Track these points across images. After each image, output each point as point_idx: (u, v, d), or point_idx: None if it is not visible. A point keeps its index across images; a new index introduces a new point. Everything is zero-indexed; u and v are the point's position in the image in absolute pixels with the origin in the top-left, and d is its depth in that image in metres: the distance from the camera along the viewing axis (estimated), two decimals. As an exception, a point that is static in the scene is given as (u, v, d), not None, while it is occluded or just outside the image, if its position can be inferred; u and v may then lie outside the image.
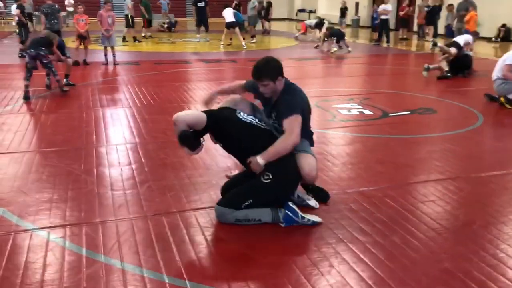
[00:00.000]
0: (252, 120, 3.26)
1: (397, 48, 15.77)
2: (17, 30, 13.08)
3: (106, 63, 10.69)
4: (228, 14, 15.01)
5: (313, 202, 3.39)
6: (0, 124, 5.62)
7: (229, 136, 3.21)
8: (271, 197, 3.14)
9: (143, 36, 17.26)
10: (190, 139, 3.12)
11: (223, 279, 2.57)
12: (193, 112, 3.37)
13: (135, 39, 16.06)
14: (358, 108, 6.63)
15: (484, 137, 5.59)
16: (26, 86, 6.99)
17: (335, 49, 13.91)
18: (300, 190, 3.46)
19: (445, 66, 9.42)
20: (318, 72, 10.95)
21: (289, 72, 10.57)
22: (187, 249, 2.86)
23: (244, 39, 15.36)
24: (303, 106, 3.29)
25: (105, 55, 10.78)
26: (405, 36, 18.20)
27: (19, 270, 2.62)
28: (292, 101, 3.23)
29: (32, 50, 7.11)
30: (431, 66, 9.51)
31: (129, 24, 15.96)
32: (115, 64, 10.74)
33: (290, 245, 2.91)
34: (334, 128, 5.67)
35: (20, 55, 11.91)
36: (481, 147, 5.14)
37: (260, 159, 3.05)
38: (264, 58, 3.32)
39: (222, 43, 14.79)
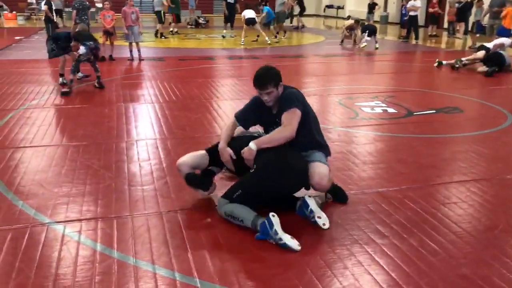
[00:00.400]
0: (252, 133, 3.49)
1: (425, 45, 15.43)
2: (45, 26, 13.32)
3: (131, 59, 10.79)
4: (249, 12, 14.99)
5: (321, 221, 3.03)
6: (26, 118, 5.73)
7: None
8: (253, 190, 3.08)
9: (171, 32, 17.40)
10: (197, 180, 3.36)
11: (233, 278, 2.54)
12: (193, 153, 3.49)
13: (161, 35, 16.19)
14: (382, 106, 6.50)
15: (513, 137, 5.40)
16: (71, 81, 7.16)
17: (365, 43, 13.70)
18: (317, 199, 3.31)
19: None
20: (344, 69, 10.80)
21: (315, 69, 10.51)
22: (199, 247, 2.85)
23: (277, 34, 15.51)
24: (303, 101, 3.30)
25: (131, 51, 10.88)
26: (434, 33, 17.78)
27: (34, 264, 2.65)
28: (291, 96, 3.26)
29: (92, 43, 7.33)
30: (444, 62, 9.51)
31: (161, 20, 16.15)
32: (140, 59, 10.84)
33: (303, 245, 2.85)
34: (356, 126, 5.57)
35: (49, 50, 12.16)
36: (508, 148, 4.96)
37: (252, 144, 3.11)
38: (263, 68, 3.32)
39: (242, 39, 14.68)
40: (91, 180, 3.85)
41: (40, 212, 3.27)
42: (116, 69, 9.62)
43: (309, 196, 3.16)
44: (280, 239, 2.80)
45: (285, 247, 2.78)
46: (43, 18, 13.08)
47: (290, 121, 3.15)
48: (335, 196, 3.49)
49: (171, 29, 17.51)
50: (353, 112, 6.20)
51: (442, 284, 2.49)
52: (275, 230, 2.81)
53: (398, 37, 17.63)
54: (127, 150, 4.61)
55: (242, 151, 3.16)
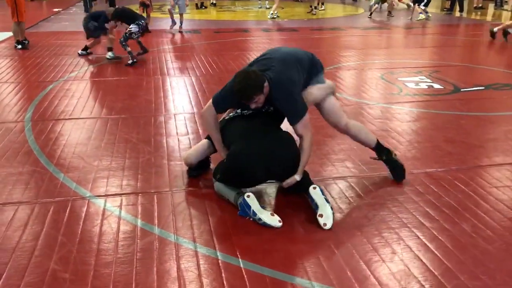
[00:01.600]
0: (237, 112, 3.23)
1: (470, 18, 14.73)
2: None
3: (174, 23, 10.93)
4: None
5: (322, 221, 2.71)
6: (65, 90, 5.76)
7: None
8: (227, 176, 2.98)
9: (212, 3, 17.45)
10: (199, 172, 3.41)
11: (277, 260, 2.45)
12: (197, 146, 3.43)
13: (202, 4, 16.12)
14: (427, 82, 6.21)
15: None
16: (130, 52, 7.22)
17: (422, 16, 13.20)
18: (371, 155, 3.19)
19: None
20: (384, 42, 10.41)
21: (354, 42, 10.18)
22: (239, 226, 2.77)
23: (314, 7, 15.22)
24: (299, 91, 3.00)
25: (172, 19, 10.95)
26: (480, 5, 16.93)
27: (75, 238, 2.64)
28: (294, 104, 2.92)
29: (143, 21, 7.37)
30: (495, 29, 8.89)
31: None
32: (179, 31, 10.78)
33: (349, 227, 2.74)
34: (400, 102, 5.34)
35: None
36: None
37: (297, 176, 2.91)
38: (240, 76, 2.85)
39: (271, 12, 14.21)
40: (130, 154, 3.82)
41: (80, 185, 3.26)
42: (153, 41, 9.55)
43: (314, 187, 2.86)
44: (260, 219, 2.74)
45: (266, 226, 2.72)
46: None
47: (307, 131, 2.96)
48: (393, 170, 3.34)
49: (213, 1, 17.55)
50: (396, 88, 5.95)
51: (499, 275, 2.34)
52: (253, 211, 2.76)
53: (441, 9, 16.87)
54: (165, 124, 4.56)
55: (285, 182, 2.92)
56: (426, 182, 3.32)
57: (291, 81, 2.95)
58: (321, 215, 2.73)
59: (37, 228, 2.72)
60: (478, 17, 14.98)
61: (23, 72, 6.72)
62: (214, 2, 17.68)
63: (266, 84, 2.84)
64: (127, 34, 7.19)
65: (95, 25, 7.47)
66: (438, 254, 2.50)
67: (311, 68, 3.12)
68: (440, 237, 2.65)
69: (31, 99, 5.36)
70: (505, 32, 9.46)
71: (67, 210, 2.93)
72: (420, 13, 13.38)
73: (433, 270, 2.37)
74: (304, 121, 2.94)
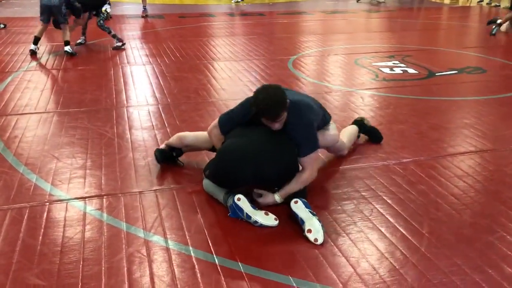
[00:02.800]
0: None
1: (430, 1, 14.92)
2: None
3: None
4: None
5: (312, 237, 2.46)
6: (27, 81, 5.38)
7: None
8: (215, 177, 2.81)
9: None
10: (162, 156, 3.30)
11: (276, 262, 2.32)
12: (198, 133, 3.29)
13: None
14: (401, 67, 6.19)
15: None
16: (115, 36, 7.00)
17: None
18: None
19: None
20: (351, 26, 10.33)
21: (323, 25, 10.08)
22: (233, 224, 2.62)
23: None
24: (315, 124, 2.83)
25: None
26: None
27: (56, 247, 2.42)
28: (309, 133, 2.74)
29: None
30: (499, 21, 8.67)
31: None
32: (142, 16, 10.39)
33: (349, 223, 2.64)
34: (377, 88, 5.28)
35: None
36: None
37: (277, 197, 2.72)
38: (262, 93, 2.62)
39: None
40: (106, 150, 3.57)
41: (56, 187, 3.02)
42: (116, 27, 9.12)
43: (296, 201, 2.60)
44: (256, 221, 2.58)
45: (263, 227, 2.58)
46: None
47: (312, 166, 2.75)
48: (370, 136, 3.73)
49: None
50: (372, 73, 5.89)
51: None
52: (246, 214, 2.60)
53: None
54: (140, 116, 4.31)
55: (261, 199, 2.76)
56: (417, 172, 3.26)
57: (310, 109, 2.81)
58: (309, 231, 2.48)
59: (13, 237, 2.48)
60: (447, 1, 15.16)
61: (-23, 63, 6.26)
62: None
63: (288, 100, 2.64)
64: (104, 15, 6.82)
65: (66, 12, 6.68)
66: (442, 248, 2.44)
67: (323, 114, 3.03)
68: (439, 230, 2.59)
69: (-10, 92, 4.98)
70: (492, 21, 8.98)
71: (44, 216, 2.69)
72: None
73: (439, 265, 2.30)
74: (314, 156, 2.75)
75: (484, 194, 3.00)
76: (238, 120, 2.86)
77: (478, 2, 13.98)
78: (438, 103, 4.80)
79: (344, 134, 3.50)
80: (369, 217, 2.72)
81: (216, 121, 2.94)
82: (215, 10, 12.27)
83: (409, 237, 2.53)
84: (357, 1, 14.23)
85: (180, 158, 3.33)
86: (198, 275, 2.23)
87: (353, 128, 3.66)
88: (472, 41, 8.62)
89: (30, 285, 2.14)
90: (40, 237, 2.49)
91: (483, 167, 3.36)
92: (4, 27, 8.81)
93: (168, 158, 3.30)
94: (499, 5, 13.12)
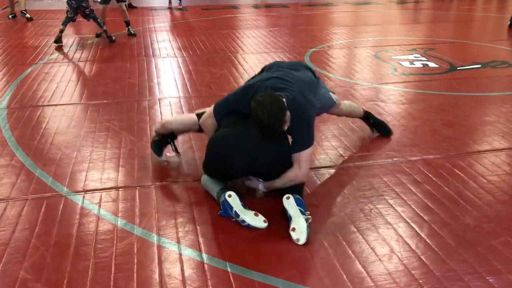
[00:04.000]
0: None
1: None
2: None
3: (171, 7, 10.65)
4: None
5: (295, 236, 2.40)
6: (44, 73, 5.47)
7: None
8: (207, 168, 2.80)
9: None
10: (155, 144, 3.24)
11: (266, 263, 2.28)
12: (184, 116, 3.43)
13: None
14: (421, 60, 5.99)
15: None
16: (61, 31, 6.85)
17: None
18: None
19: None
20: (377, 18, 10.09)
21: (346, 18, 9.89)
22: (227, 224, 2.58)
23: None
24: (314, 116, 2.82)
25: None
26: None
27: (50, 241, 2.44)
28: (307, 130, 2.67)
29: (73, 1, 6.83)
30: None
31: None
32: (180, 8, 10.54)
33: (344, 223, 2.57)
34: (395, 83, 5.13)
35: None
36: None
37: (261, 186, 2.71)
38: (261, 108, 2.49)
39: None
40: (112, 144, 3.60)
41: (57, 180, 3.05)
42: (138, 19, 9.20)
43: (288, 197, 2.55)
44: (243, 221, 2.50)
45: (251, 227, 2.50)
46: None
47: (304, 165, 2.63)
48: (378, 129, 3.67)
49: None
50: (390, 67, 5.73)
51: (505, 274, 2.18)
52: (235, 212, 2.52)
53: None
54: (149, 110, 4.32)
55: (247, 181, 2.79)
56: (424, 171, 3.15)
57: (310, 104, 2.74)
58: (293, 229, 2.40)
59: (8, 230, 2.52)
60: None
61: (1, 54, 6.40)
62: None
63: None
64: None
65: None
66: (440, 252, 2.33)
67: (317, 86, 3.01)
68: (441, 233, 2.49)
69: (8, 84, 5.08)
70: None
71: (42, 209, 2.72)
72: None
73: (434, 270, 2.21)
74: (308, 153, 2.66)
75: (494, 195, 2.87)
76: (234, 109, 2.80)
77: None
78: (456, 98, 4.62)
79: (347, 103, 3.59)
80: (368, 217, 2.64)
81: (211, 111, 2.88)
82: (239, 2, 12.20)
83: (407, 240, 2.44)
84: None
85: (181, 151, 3.33)
86: (185, 273, 2.20)
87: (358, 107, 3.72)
88: (503, 33, 8.27)
89: (17, 279, 2.16)
90: (36, 231, 2.52)
91: (497, 167, 3.21)
92: (30, 19, 9.01)
93: (166, 145, 3.25)
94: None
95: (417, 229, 2.53)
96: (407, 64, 5.84)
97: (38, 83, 5.11)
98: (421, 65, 5.78)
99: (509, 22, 8.18)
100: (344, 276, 2.18)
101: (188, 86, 5.02)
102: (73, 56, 6.38)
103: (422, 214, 2.66)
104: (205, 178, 2.85)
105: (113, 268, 2.23)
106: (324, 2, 12.10)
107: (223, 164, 2.65)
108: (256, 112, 2.52)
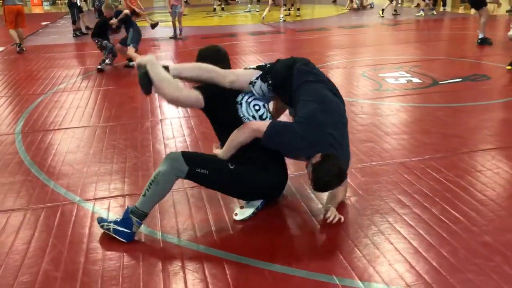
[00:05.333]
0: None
1: (454, 12, 14.96)
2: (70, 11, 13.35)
3: (175, 36, 11.30)
4: None
5: (237, 211, 2.91)
6: (54, 102, 5.90)
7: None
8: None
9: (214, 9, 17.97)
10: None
11: (256, 250, 2.60)
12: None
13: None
14: (406, 77, 6.39)
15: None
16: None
17: (421, 13, 13.78)
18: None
19: None
20: (367, 40, 10.59)
21: (338, 41, 10.37)
22: (222, 222, 2.92)
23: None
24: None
25: (174, 28, 11.35)
26: (464, -2, 17.15)
27: (66, 240, 2.78)
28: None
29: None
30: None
31: None
32: (178, 38, 11.26)
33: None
34: (380, 98, 5.51)
35: (74, 34, 12.36)
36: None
37: (220, 152, 2.85)
38: (331, 169, 2.54)
39: (264, 15, 14.48)
40: (118, 159, 3.97)
41: (70, 191, 3.41)
42: (141, 49, 9.68)
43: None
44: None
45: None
46: (67, 3, 13.22)
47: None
48: None
49: (222, 6, 18.09)
50: (376, 84, 6.13)
51: (463, 252, 2.49)
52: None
53: (425, 5, 17.07)
54: (151, 129, 4.70)
55: (217, 152, 2.87)
56: (400, 171, 3.49)
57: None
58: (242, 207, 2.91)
59: (29, 232, 2.86)
60: (462, 11, 15.20)
61: (12, 86, 6.85)
62: (222, 6, 18.37)
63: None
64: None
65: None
66: (407, 237, 2.65)
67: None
68: (410, 222, 2.81)
69: (21, 112, 5.50)
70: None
71: (58, 215, 3.08)
72: (422, 9, 13.95)
73: (402, 252, 2.52)
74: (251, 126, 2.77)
75: (457, 190, 3.20)
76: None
77: (507, 11, 13.90)
78: (434, 109, 4.98)
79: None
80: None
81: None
82: (236, 30, 12.75)
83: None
84: (381, 16, 14.35)
85: None
86: (184, 260, 2.53)
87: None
88: (487, 50, 8.67)
89: (40, 269, 2.50)
90: (53, 232, 2.86)
91: (469, 167, 3.55)
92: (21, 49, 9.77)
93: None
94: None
95: (390, 220, 2.85)
96: (392, 80, 6.23)
97: (48, 110, 5.53)
98: (405, 81, 6.17)
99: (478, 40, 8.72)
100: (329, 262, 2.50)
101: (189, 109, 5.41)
102: (80, 85, 6.82)
103: (395, 208, 2.98)
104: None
105: (122, 258, 2.57)
106: (318, 27, 12.63)
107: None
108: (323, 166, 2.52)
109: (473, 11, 14.68)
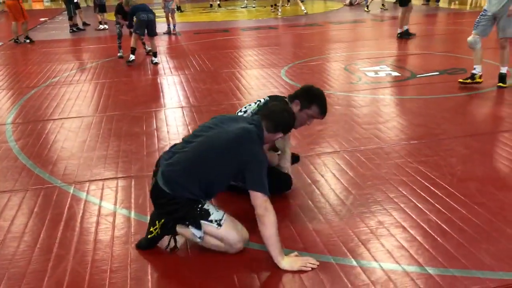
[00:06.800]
0: None
1: (447, 8, 15.13)
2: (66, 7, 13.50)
3: (169, 32, 11.56)
4: None
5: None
6: (45, 94, 6.12)
7: None
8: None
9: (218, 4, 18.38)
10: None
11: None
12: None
13: (178, 8, 16.56)
14: (386, 71, 6.61)
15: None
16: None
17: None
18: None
19: None
20: (353, 35, 10.75)
21: (328, 36, 10.57)
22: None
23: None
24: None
25: (168, 24, 11.64)
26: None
27: (61, 220, 3.02)
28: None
29: None
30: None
31: None
32: (173, 34, 11.52)
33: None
34: (357, 90, 5.73)
35: (71, 30, 12.59)
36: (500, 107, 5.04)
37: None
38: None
39: (280, 10, 14.98)
40: (112, 147, 4.19)
41: (65, 175, 3.63)
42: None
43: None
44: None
45: None
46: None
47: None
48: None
49: (218, 2, 18.28)
50: (356, 77, 6.34)
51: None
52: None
53: (422, 3, 17.24)
54: (145, 120, 4.91)
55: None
56: (347, 157, 3.72)
57: None
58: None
59: (11, 213, 3.10)
60: (456, 6, 15.36)
61: (7, 80, 7.08)
62: (218, 2, 18.53)
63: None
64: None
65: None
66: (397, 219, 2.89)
67: None
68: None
69: (13, 104, 5.74)
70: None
71: (55, 196, 3.30)
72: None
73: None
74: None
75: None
76: None
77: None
78: (406, 101, 5.20)
79: None
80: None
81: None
82: (230, 26, 12.95)
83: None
84: (367, 11, 14.56)
85: None
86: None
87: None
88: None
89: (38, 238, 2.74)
90: (50, 210, 3.10)
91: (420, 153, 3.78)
92: (30, 42, 10.51)
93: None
94: None
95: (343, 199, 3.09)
96: (372, 74, 6.45)
97: (40, 102, 5.76)
98: (384, 74, 6.39)
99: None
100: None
101: (194, 97, 5.65)
102: (72, 78, 7.04)
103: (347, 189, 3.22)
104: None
105: (112, 238, 2.81)
106: (309, 22, 12.83)
107: None
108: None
109: (468, 7, 14.99)
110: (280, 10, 14.88)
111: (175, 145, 2.73)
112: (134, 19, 7.80)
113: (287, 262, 2.40)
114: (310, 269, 2.39)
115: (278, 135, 2.63)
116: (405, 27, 9.36)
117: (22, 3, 10.92)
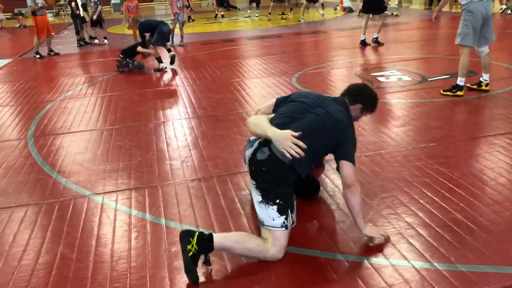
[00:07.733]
0: None
1: (449, 11, 15.24)
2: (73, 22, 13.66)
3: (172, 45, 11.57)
4: None
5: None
6: (62, 108, 6.23)
7: None
8: None
9: (222, 15, 18.49)
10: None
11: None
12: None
13: (189, 18, 16.80)
14: (397, 75, 6.68)
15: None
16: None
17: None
18: None
19: None
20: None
21: (335, 43, 10.67)
22: (220, 210, 3.22)
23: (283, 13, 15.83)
24: None
25: (172, 36, 11.59)
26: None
27: (79, 227, 3.09)
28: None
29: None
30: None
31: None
32: (181, 44, 11.68)
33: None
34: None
35: (78, 44, 12.74)
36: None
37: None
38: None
39: (302, 16, 15.38)
40: (124, 158, 4.28)
41: (81, 186, 3.72)
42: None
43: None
44: None
45: None
46: (70, 14, 13.62)
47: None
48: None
49: (222, 13, 18.46)
50: (367, 83, 6.41)
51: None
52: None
53: (424, 5, 17.39)
54: (154, 131, 5.01)
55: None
56: (366, 160, 3.78)
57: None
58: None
59: (46, 222, 3.18)
60: (458, 10, 15.45)
61: (22, 95, 7.19)
62: (222, 13, 18.69)
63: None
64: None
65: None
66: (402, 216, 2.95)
67: None
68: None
69: (32, 118, 5.83)
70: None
71: (70, 207, 3.39)
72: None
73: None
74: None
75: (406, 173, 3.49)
76: None
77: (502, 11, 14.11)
78: (419, 104, 5.28)
79: None
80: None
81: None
82: (235, 36, 13.08)
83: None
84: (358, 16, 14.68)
85: None
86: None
87: None
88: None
89: (57, 252, 2.81)
90: (67, 221, 3.17)
91: (437, 155, 3.84)
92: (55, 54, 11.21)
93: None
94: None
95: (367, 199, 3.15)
96: (383, 79, 6.53)
97: (57, 116, 5.86)
98: (396, 79, 6.47)
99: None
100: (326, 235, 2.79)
101: (197, 107, 5.73)
102: (86, 92, 7.15)
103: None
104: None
105: (131, 241, 2.88)
106: (313, 30, 12.95)
107: None
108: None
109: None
110: (302, 17, 15.23)
111: (275, 117, 2.83)
112: (145, 34, 8.13)
113: (370, 228, 2.69)
114: (383, 240, 2.66)
115: (358, 106, 2.97)
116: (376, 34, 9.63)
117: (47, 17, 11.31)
